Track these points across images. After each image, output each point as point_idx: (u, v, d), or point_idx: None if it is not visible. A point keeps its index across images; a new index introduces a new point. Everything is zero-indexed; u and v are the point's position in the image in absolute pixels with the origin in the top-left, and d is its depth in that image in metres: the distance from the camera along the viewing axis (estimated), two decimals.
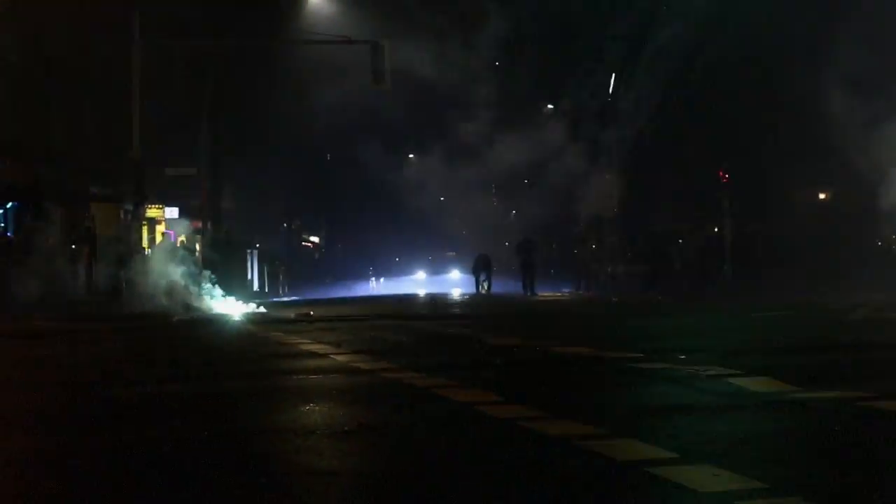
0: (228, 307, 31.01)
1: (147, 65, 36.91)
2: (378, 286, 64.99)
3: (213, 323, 22.57)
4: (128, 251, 32.28)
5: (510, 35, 45.51)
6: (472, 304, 33.63)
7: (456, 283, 60.89)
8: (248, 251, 45.32)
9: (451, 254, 76.04)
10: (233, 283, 39.98)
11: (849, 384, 9.70)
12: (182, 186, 39.70)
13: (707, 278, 41.55)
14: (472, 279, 46.96)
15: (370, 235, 74.96)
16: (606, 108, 45.93)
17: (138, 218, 36.56)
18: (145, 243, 38.77)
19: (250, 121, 44.97)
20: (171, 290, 31.42)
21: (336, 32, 42.56)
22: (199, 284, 35.30)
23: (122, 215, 35.92)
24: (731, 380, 9.96)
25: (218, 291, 35.83)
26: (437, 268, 76.00)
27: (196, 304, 31.22)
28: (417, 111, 46.99)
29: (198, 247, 39.42)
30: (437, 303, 30.97)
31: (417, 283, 69.27)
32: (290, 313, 24.95)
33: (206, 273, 37.10)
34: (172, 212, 39.09)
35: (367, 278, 68.59)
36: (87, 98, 35.58)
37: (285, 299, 40.56)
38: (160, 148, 38.54)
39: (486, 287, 45.32)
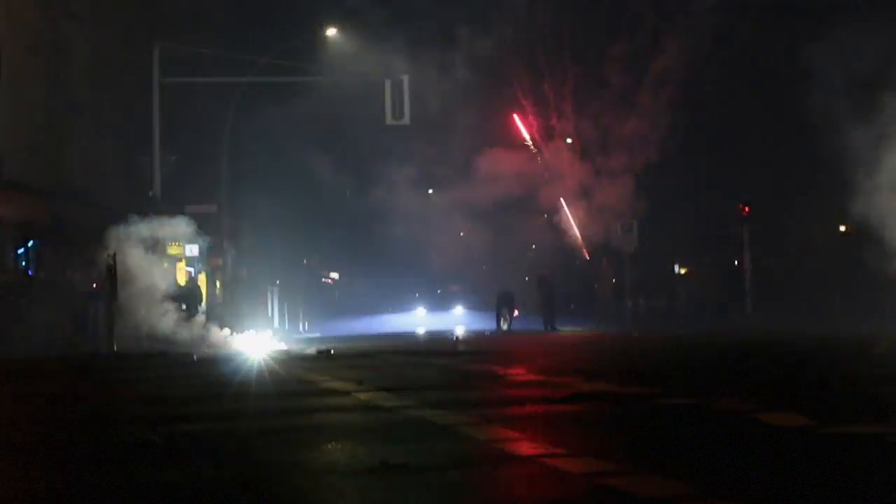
0: (249, 344, 31.03)
1: (167, 102, 37.15)
2: (373, 323, 55.98)
3: (234, 360, 22.53)
4: (150, 290, 32.36)
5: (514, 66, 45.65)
6: (493, 340, 33.56)
7: (460, 321, 57.12)
8: (269, 288, 45.40)
9: (454, 288, 72.59)
10: (253, 320, 40.09)
11: None
12: (202, 224, 39.79)
13: (727, 311, 41.40)
14: (494, 315, 46.61)
15: (387, 270, 72.71)
16: (623, 141, 45.84)
17: (159, 256, 36.62)
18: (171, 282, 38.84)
19: (270, 158, 45.12)
20: (191, 328, 31.54)
21: (353, 69, 42.83)
22: (218, 321, 35.41)
23: (143, 253, 35.96)
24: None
25: (238, 328, 35.94)
26: (438, 303, 71.41)
27: (216, 341, 31.28)
28: (432, 145, 46.93)
29: (202, 286, 39.59)
30: (459, 339, 30.90)
31: (418, 320, 62.30)
32: (311, 350, 24.89)
33: (227, 310, 37.27)
34: (193, 249, 39.10)
35: (372, 314, 61.89)
36: (107, 135, 35.73)
37: (305, 335, 40.53)
38: (181, 185, 38.69)
39: (507, 324, 45.04)
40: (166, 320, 30.66)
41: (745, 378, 14.69)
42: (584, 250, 47.71)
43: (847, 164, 32.58)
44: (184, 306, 32.35)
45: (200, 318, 32.88)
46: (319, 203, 52.26)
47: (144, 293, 30.72)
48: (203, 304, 36.91)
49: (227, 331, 34.79)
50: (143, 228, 31.71)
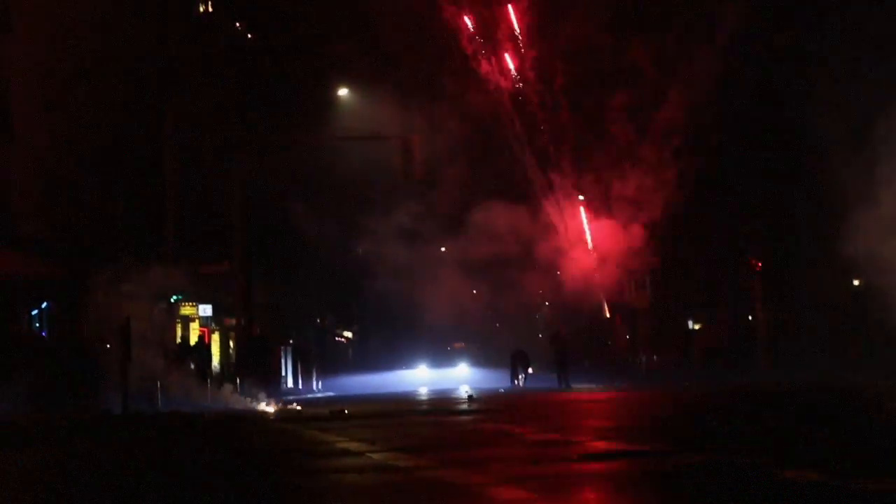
0: (262, 404, 30.98)
1: (179, 159, 37.27)
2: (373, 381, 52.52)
3: (248, 421, 22.49)
4: (162, 350, 32.35)
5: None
6: (507, 397, 33.46)
7: (466, 379, 55.43)
8: (282, 348, 45.36)
9: (459, 345, 70.94)
10: (267, 380, 39.99)
11: None
12: (215, 283, 39.82)
13: (740, 365, 41.28)
14: (503, 372, 46.64)
15: (398, 328, 71.25)
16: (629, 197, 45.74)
17: (172, 316, 36.68)
18: (179, 341, 38.86)
19: (282, 218, 45.22)
20: (201, 387, 31.54)
21: (364, 128, 43.02)
22: (231, 381, 35.40)
23: (155, 313, 35.99)
24: None
25: (251, 387, 35.87)
26: (441, 360, 67.87)
27: (229, 400, 31.23)
28: (441, 203, 46.96)
29: (215, 344, 39.69)
30: (473, 398, 30.78)
31: (421, 378, 58.27)
32: (325, 410, 24.83)
33: (240, 369, 37.19)
34: (206, 309, 39.14)
35: (374, 371, 58.65)
36: (120, 194, 35.86)
37: (319, 395, 40.37)
38: (194, 243, 38.74)
39: (522, 381, 44.94)
40: (178, 378, 30.64)
41: (759, 431, 14.61)
42: (606, 308, 47.51)
43: (857, 216, 32.68)
44: (192, 364, 32.38)
45: (213, 374, 32.95)
46: (332, 261, 52.33)
47: (156, 351, 30.74)
48: (214, 362, 36.96)
49: (239, 390, 34.78)
50: (156, 287, 31.74)
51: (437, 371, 61.83)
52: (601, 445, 13.47)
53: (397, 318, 63.92)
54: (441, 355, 69.07)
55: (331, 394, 40.91)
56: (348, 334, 73.44)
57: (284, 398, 35.79)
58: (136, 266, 32.89)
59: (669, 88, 43.76)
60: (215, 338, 42.08)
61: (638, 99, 44.40)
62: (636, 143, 44.49)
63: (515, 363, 45.96)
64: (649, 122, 44.45)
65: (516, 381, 45.03)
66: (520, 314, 56.47)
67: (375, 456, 13.03)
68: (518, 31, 46.33)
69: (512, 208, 45.77)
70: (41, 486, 11.55)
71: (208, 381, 33.17)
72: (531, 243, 45.26)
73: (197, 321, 39.88)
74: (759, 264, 42.59)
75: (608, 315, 47.48)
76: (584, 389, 38.45)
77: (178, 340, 36.71)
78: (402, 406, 27.20)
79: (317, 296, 56.87)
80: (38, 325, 32.18)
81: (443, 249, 55.81)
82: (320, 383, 47.95)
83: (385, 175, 42.64)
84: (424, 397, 35.57)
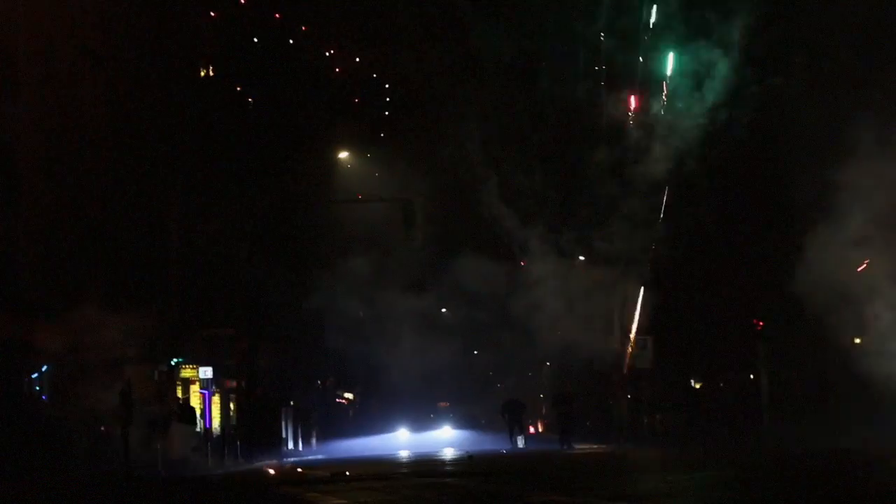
0: (263, 465, 30.87)
1: (182, 223, 37.36)
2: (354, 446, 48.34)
3: (249, 485, 22.38)
4: (162, 414, 32.33)
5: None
6: (508, 459, 33.26)
7: (449, 442, 51.30)
8: (283, 410, 45.27)
9: (443, 405, 66.52)
10: (269, 442, 39.92)
11: None
12: (216, 345, 39.83)
13: (746, 427, 41.11)
14: (499, 431, 44.78)
15: (399, 389, 68.93)
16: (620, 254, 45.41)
17: (173, 379, 36.65)
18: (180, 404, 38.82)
19: (287, 278, 45.26)
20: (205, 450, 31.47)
21: (364, 191, 43.24)
22: (232, 443, 35.31)
23: (155, 376, 35.98)
24: None
25: (253, 450, 35.81)
26: (422, 423, 62.29)
27: (230, 464, 31.16)
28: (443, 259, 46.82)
29: (215, 409, 39.64)
30: (473, 459, 30.60)
31: (398, 443, 53.68)
32: (327, 472, 24.67)
33: (241, 432, 37.15)
34: (206, 371, 39.08)
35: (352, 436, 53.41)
36: (122, 260, 35.90)
37: (316, 457, 39.97)
38: (197, 306, 38.77)
39: (522, 441, 43.86)
40: (180, 442, 30.64)
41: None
42: (626, 366, 46.99)
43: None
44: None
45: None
46: (333, 322, 52.30)
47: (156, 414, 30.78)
48: (198, 423, 36.88)
49: (240, 452, 34.71)
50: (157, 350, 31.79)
51: (418, 435, 57.21)
52: None
53: (396, 381, 62.66)
54: (423, 417, 64.30)
55: (320, 456, 39.65)
56: (349, 396, 73.25)
57: (284, 460, 35.72)
58: (137, 329, 32.94)
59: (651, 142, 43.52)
60: (216, 400, 42.00)
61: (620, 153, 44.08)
62: (620, 199, 44.11)
63: (509, 416, 42.68)
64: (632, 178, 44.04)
65: (518, 442, 43.67)
66: (522, 374, 56.16)
67: None
68: None
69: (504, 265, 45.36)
70: None
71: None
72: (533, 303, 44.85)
73: (198, 384, 39.83)
74: (761, 324, 42.51)
75: (625, 372, 47.06)
76: (587, 450, 38.32)
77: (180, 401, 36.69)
78: (405, 468, 27.06)
79: (318, 358, 56.80)
80: (37, 388, 32.08)
81: (444, 311, 55.77)
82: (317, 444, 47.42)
83: (382, 237, 42.86)
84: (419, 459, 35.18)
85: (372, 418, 67.11)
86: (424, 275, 46.80)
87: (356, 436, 52.92)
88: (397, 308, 47.07)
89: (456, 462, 30.21)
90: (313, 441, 48.55)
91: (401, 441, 54.33)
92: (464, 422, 61.14)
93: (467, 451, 34.09)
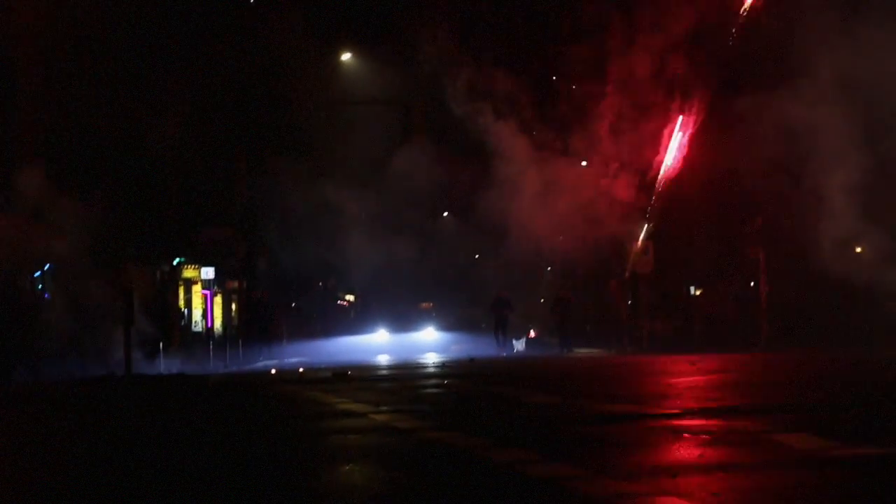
0: (265, 365, 31.09)
1: (184, 122, 37.16)
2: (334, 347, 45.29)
3: (250, 383, 22.56)
4: (165, 312, 32.51)
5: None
6: (508, 363, 33.44)
7: (432, 346, 49.04)
8: (284, 312, 45.43)
9: (425, 306, 64.18)
10: (269, 342, 40.15)
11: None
12: (219, 247, 39.84)
13: (745, 333, 41.24)
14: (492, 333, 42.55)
15: (400, 289, 66.84)
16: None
17: (175, 279, 36.77)
18: (182, 304, 38.98)
19: (285, 179, 45.17)
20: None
21: (371, 93, 42.98)
22: (234, 342, 35.52)
23: (158, 276, 36.09)
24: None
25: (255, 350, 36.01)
26: (403, 324, 58.14)
27: (232, 363, 31.38)
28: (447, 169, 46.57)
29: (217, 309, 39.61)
30: (474, 362, 30.82)
31: (378, 345, 49.48)
32: (328, 372, 24.85)
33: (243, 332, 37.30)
34: (208, 272, 39.16)
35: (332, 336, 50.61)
36: (120, 163, 35.79)
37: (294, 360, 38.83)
38: (197, 207, 38.74)
39: (521, 343, 43.35)
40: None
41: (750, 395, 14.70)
42: (627, 270, 46.86)
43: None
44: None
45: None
46: (334, 223, 52.14)
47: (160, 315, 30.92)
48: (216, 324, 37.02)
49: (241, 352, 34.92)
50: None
51: (398, 336, 54.04)
52: (606, 408, 13.51)
53: (395, 280, 61.44)
54: (406, 317, 60.75)
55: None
56: (350, 297, 73.58)
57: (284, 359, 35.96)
58: (138, 229, 33.00)
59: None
60: (217, 301, 42.15)
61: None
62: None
63: (495, 315, 41.70)
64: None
65: (516, 344, 42.70)
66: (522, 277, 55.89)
67: (378, 417, 13.08)
68: None
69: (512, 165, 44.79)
70: (65, 451, 11.60)
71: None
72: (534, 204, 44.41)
73: (199, 284, 39.96)
74: (760, 221, 42.25)
75: (626, 277, 46.90)
76: (586, 354, 38.54)
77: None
78: (405, 370, 27.26)
79: (319, 259, 56.83)
80: (40, 286, 32.21)
81: (445, 214, 55.67)
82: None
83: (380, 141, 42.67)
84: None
85: (372, 320, 66.67)
86: (424, 181, 46.53)
87: (324, 336, 49.87)
88: (396, 212, 47.04)
89: (457, 364, 30.34)
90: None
91: (379, 343, 50.70)
92: (459, 324, 59.11)
93: (470, 355, 34.21)
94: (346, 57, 46.49)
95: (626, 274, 45.58)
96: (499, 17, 45.91)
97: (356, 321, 67.34)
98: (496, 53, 43.87)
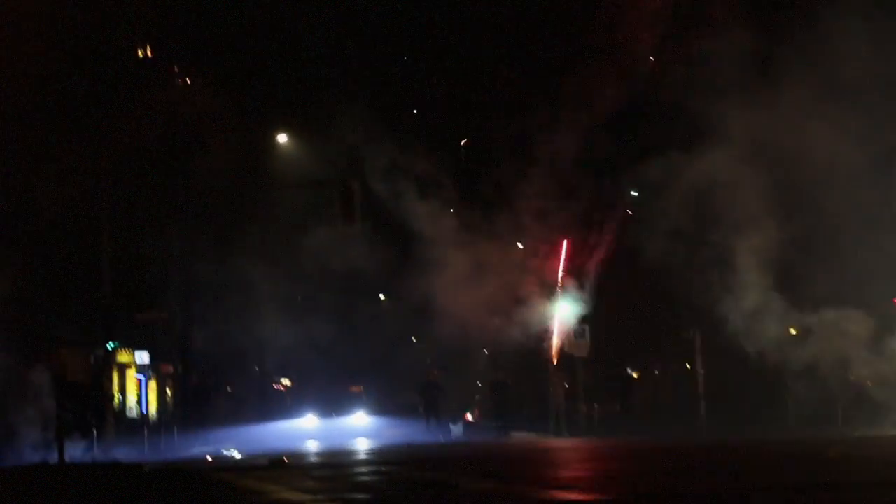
0: (201, 451, 30.67)
1: (116, 206, 36.92)
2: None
3: (185, 471, 22.21)
4: (97, 397, 32.04)
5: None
6: (445, 448, 33.26)
7: (364, 432, 47.88)
8: (218, 396, 44.95)
9: (356, 389, 60.10)
10: (204, 428, 39.65)
11: None
12: (153, 330, 39.45)
13: (681, 416, 41.36)
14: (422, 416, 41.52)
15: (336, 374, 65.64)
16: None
17: (109, 363, 36.31)
18: (116, 388, 38.47)
19: (221, 262, 44.93)
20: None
21: (304, 174, 42.90)
22: (168, 429, 35.06)
23: (91, 360, 35.64)
24: None
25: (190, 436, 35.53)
26: (333, 407, 55.09)
27: (166, 450, 30.94)
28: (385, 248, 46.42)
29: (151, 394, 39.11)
30: (413, 447, 30.65)
31: (307, 431, 48.27)
32: (264, 460, 24.51)
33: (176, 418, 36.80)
34: (143, 356, 38.75)
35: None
36: (55, 241, 35.48)
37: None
38: (131, 289, 38.37)
39: (457, 429, 43.00)
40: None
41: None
42: (554, 356, 46.94)
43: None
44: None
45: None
46: (268, 307, 51.81)
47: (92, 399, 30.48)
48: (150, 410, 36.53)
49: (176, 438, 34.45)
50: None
51: (328, 421, 52.03)
52: (550, 496, 13.43)
53: (328, 364, 60.61)
54: (335, 401, 57.29)
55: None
56: (286, 381, 72.92)
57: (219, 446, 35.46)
58: (71, 312, 32.63)
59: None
60: (152, 385, 41.70)
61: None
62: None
63: (425, 401, 41.02)
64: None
65: (433, 425, 40.80)
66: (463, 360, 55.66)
67: None
68: None
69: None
70: None
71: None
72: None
73: (133, 368, 39.53)
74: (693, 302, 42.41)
75: (554, 362, 47.00)
76: (524, 438, 38.43)
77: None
78: (343, 457, 27.00)
79: (255, 343, 56.40)
80: None
81: (381, 297, 55.55)
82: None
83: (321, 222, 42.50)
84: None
85: (309, 404, 65.88)
86: (360, 260, 46.38)
87: (260, 420, 47.52)
88: (329, 294, 46.86)
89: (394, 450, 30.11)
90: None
91: (308, 429, 49.29)
92: (395, 408, 58.02)
93: (407, 441, 34.02)
94: (281, 138, 46.51)
95: (554, 359, 45.65)
96: (423, 98, 46.14)
97: (293, 405, 66.72)
98: (420, 133, 44.09)
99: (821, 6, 33.39)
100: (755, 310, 35.62)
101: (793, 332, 40.23)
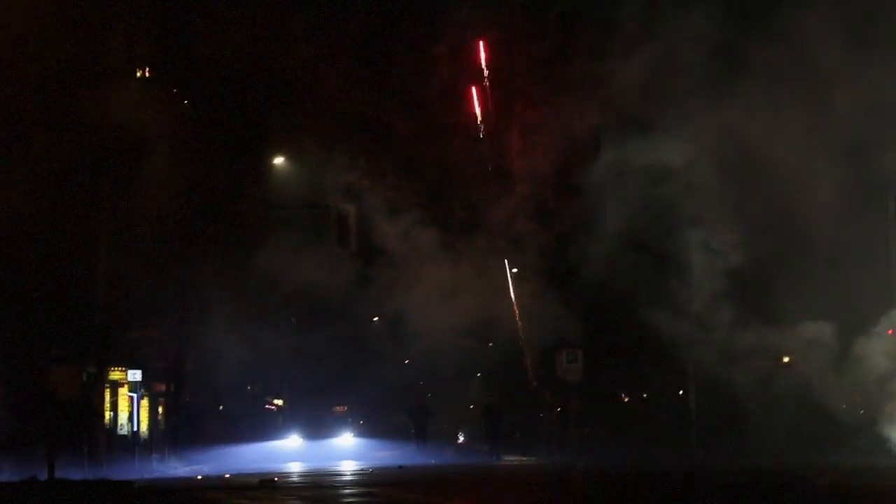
0: (191, 470, 30.66)
1: (114, 224, 36.91)
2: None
3: (175, 490, 22.23)
4: (87, 414, 32.02)
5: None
6: (434, 470, 33.21)
7: (352, 454, 47.51)
8: (210, 415, 44.88)
9: (339, 409, 61.07)
10: (195, 446, 39.64)
11: None
12: (146, 349, 39.40)
13: (673, 442, 41.35)
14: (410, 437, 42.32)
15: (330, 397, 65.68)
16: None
17: (102, 381, 36.27)
18: (108, 406, 38.39)
19: (217, 282, 44.93)
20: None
21: (303, 196, 42.86)
22: (160, 448, 35.01)
23: (83, 377, 35.57)
24: None
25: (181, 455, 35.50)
26: (318, 429, 55.41)
27: (158, 468, 30.93)
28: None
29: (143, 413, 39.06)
30: (405, 469, 30.60)
31: (292, 451, 48.19)
32: (254, 479, 24.51)
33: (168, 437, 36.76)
34: (135, 374, 38.66)
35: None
36: (49, 257, 35.42)
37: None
38: (124, 307, 38.31)
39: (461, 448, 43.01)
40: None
41: None
42: (535, 380, 47.11)
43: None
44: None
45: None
46: (263, 328, 51.83)
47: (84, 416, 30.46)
48: (141, 429, 36.46)
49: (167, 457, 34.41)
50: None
51: (313, 443, 51.81)
52: None
53: (325, 386, 60.83)
54: (320, 422, 57.80)
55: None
56: (279, 402, 72.86)
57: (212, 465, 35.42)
58: (64, 329, 32.59)
59: None
60: (144, 404, 41.60)
61: None
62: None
63: (414, 423, 41.40)
64: None
65: (421, 447, 41.32)
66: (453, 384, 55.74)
67: None
68: None
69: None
70: None
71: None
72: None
73: (126, 386, 39.43)
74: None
75: (540, 388, 47.14)
76: (516, 461, 38.40)
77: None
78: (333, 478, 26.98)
79: (248, 363, 56.39)
80: None
81: (375, 319, 55.51)
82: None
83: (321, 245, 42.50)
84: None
85: (302, 425, 65.77)
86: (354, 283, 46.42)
87: (252, 440, 48.06)
88: (330, 317, 46.87)
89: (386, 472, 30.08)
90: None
91: (292, 450, 49.07)
92: (386, 430, 57.99)
93: (399, 463, 33.97)
94: (278, 160, 46.55)
95: (539, 385, 45.74)
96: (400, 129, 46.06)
97: (285, 425, 66.63)
98: (400, 158, 44.13)
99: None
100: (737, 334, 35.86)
101: (785, 360, 40.33)
